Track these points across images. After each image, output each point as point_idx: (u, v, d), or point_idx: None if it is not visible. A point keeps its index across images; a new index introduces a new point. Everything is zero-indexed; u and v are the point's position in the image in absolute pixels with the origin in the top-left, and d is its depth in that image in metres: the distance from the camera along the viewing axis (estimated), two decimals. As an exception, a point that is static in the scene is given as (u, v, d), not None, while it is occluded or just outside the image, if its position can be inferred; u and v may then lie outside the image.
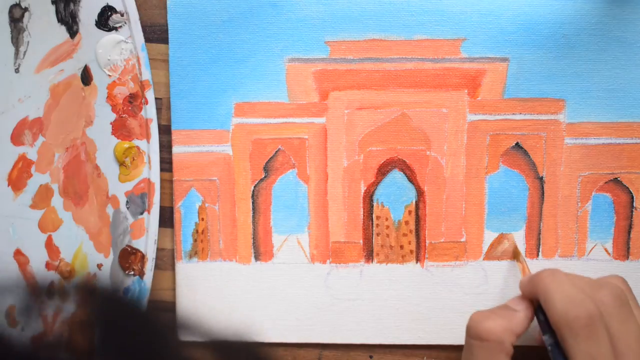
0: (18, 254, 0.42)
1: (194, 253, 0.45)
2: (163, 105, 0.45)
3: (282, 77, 0.44)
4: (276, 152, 0.45)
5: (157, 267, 0.46)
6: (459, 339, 0.44)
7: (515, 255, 0.44)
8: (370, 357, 0.46)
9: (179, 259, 0.45)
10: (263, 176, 0.45)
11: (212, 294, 0.45)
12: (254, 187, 0.45)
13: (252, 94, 0.44)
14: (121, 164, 0.44)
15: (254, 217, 0.45)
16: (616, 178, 0.44)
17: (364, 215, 0.45)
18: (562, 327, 0.35)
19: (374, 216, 0.45)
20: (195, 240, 0.45)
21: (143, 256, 0.45)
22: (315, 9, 0.43)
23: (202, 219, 0.45)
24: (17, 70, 0.41)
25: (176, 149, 0.44)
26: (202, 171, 0.45)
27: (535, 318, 0.38)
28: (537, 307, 0.38)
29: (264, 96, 0.44)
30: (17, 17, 0.40)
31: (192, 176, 0.45)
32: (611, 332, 0.35)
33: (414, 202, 0.45)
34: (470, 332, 0.38)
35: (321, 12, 0.43)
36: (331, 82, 0.44)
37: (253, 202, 0.45)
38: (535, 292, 0.37)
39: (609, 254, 0.44)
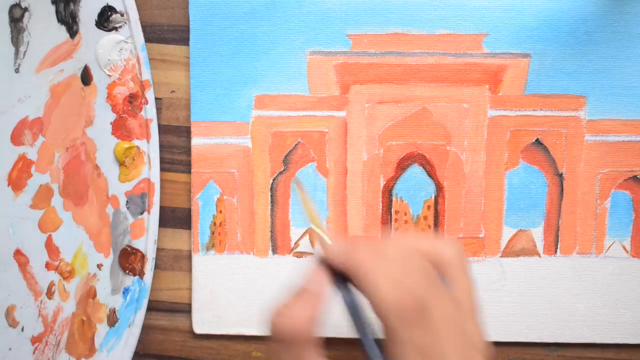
0: (18, 254, 0.42)
1: (211, 245, 0.45)
2: (163, 105, 0.45)
3: (303, 69, 0.44)
4: (296, 145, 0.44)
5: (157, 267, 0.46)
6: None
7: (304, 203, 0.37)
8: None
9: (196, 252, 0.45)
10: (282, 169, 0.45)
11: (229, 286, 0.45)
12: (273, 179, 0.45)
13: (273, 86, 0.44)
14: (121, 164, 0.44)
15: (272, 210, 0.45)
16: (635, 176, 0.44)
17: (382, 210, 0.45)
18: (390, 316, 0.29)
19: (392, 211, 0.45)
20: (212, 233, 0.45)
21: (143, 256, 0.45)
22: (337, 2, 0.43)
23: (220, 212, 0.45)
24: (17, 70, 0.40)
25: (195, 141, 0.44)
26: (221, 163, 0.44)
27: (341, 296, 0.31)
28: (341, 285, 0.31)
29: (284, 89, 0.44)
30: (17, 17, 0.40)
31: (211, 168, 0.45)
32: (454, 282, 0.31)
33: (433, 197, 0.44)
34: (275, 334, 0.30)
35: (343, 5, 0.43)
36: (352, 75, 0.44)
37: (272, 195, 0.45)
38: (349, 270, 0.30)
39: (627, 251, 0.44)
